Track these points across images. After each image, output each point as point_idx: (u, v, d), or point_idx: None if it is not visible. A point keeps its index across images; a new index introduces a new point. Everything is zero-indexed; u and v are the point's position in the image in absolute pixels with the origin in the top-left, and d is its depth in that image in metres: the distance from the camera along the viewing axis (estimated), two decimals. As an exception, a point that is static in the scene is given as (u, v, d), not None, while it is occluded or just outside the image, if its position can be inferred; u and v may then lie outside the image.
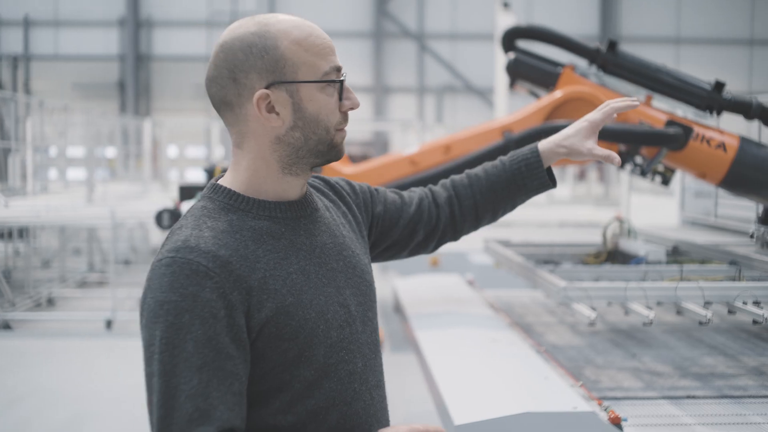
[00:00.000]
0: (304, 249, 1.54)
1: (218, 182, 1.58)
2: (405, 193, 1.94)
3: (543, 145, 1.92)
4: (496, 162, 1.97)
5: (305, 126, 1.51)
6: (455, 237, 2.01)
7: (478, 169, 1.99)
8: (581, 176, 19.13)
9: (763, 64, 25.09)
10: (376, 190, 1.89)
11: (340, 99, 1.54)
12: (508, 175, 1.93)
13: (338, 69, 1.53)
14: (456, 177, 2.00)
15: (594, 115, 1.89)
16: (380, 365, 1.66)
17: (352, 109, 1.55)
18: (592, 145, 1.87)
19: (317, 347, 1.49)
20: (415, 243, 1.94)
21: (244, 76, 1.49)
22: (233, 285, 1.42)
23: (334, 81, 1.52)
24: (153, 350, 1.39)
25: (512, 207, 2.01)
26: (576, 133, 1.89)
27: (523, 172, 1.92)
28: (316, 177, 1.77)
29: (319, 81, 1.51)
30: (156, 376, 1.38)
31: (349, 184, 1.82)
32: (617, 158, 1.86)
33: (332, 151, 1.55)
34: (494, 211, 1.98)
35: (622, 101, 1.89)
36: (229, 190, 1.54)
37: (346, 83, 1.54)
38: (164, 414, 1.36)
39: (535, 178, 1.92)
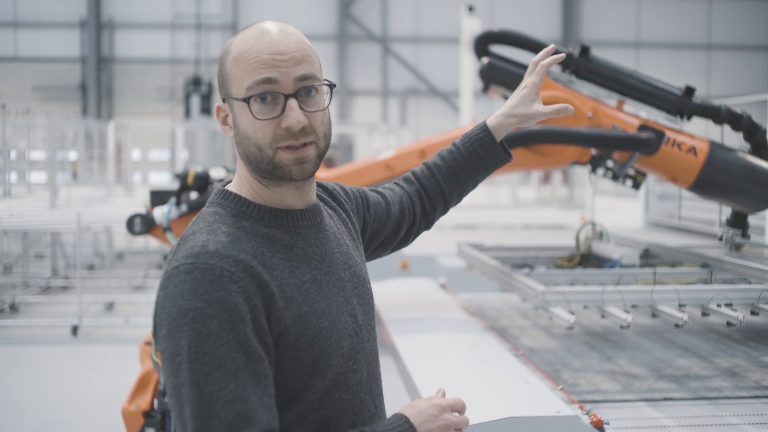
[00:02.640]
0: (315, 258, 1.54)
1: (226, 188, 1.57)
2: (386, 192, 1.96)
3: (492, 120, 1.98)
4: (451, 147, 2.03)
5: (242, 141, 1.50)
6: (428, 226, 2.07)
7: (434, 158, 2.04)
8: (546, 179, 19.27)
9: (720, 68, 25.56)
10: (366, 193, 1.89)
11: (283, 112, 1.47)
12: (466, 158, 1.99)
13: (267, 81, 1.45)
14: (416, 169, 2.05)
15: (532, 79, 1.96)
16: (380, 374, 1.67)
17: (289, 128, 1.46)
18: (539, 107, 1.94)
19: (331, 357, 1.48)
20: (398, 240, 1.98)
21: (218, 87, 1.55)
22: (256, 289, 1.41)
23: (246, 99, 1.46)
24: (180, 360, 1.34)
25: (474, 185, 2.08)
26: (521, 100, 1.95)
27: (479, 152, 1.98)
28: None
29: (236, 98, 1.48)
30: (187, 387, 1.33)
31: (343, 189, 1.82)
32: (569, 107, 1.92)
33: (277, 170, 1.48)
34: (459, 193, 2.05)
35: (545, 55, 1.96)
36: (239, 196, 1.53)
37: (291, 101, 1.46)
38: (201, 425, 1.32)
39: (492, 155, 1.99)
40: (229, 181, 1.59)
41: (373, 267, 2.05)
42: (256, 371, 1.37)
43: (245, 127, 1.48)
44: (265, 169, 1.49)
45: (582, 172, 15.29)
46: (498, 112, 1.99)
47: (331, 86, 1.53)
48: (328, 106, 1.53)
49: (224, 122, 1.54)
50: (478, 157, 1.98)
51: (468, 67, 13.85)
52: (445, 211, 2.06)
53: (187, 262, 1.39)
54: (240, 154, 1.52)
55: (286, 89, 1.46)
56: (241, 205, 1.52)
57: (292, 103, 1.45)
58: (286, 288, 1.45)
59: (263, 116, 1.45)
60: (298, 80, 1.46)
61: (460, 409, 1.53)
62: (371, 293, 1.69)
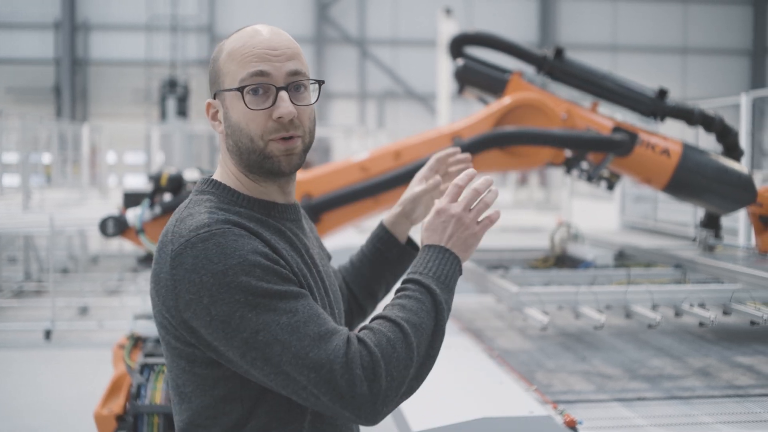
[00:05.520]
0: (302, 249, 1.60)
1: (213, 178, 1.61)
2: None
3: (386, 216, 2.04)
4: (357, 251, 2.07)
5: (233, 134, 1.54)
6: (363, 316, 2.08)
7: (345, 263, 2.07)
8: (522, 181, 19.36)
9: (696, 71, 25.81)
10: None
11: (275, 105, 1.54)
12: (368, 256, 2.03)
13: (260, 74, 1.51)
14: (342, 265, 2.09)
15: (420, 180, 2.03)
16: None
17: (281, 118, 1.51)
18: (415, 188, 2.00)
19: None
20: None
21: (210, 85, 1.61)
22: (272, 248, 1.47)
23: (240, 88, 1.51)
24: (241, 314, 1.37)
25: (387, 286, 2.07)
26: (408, 188, 2.02)
27: (378, 248, 2.02)
28: None
29: (229, 90, 1.53)
30: (263, 330, 1.37)
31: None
32: (437, 179, 1.97)
33: (267, 161, 1.53)
34: (371, 293, 2.05)
35: (444, 153, 2.03)
36: (228, 186, 1.57)
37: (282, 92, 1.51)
38: (298, 346, 1.37)
39: (391, 247, 2.02)
40: (212, 173, 1.64)
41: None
42: (309, 297, 1.45)
43: (237, 119, 1.52)
44: (255, 161, 1.53)
45: (559, 175, 15.38)
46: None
47: (320, 83, 1.59)
48: (315, 103, 1.59)
49: (214, 118, 1.58)
50: (378, 253, 2.01)
51: (445, 69, 13.90)
52: (373, 304, 2.07)
53: (200, 233, 1.42)
54: (229, 147, 1.55)
55: (278, 82, 1.51)
56: (231, 195, 1.56)
57: (283, 94, 1.51)
58: (290, 261, 1.50)
59: (256, 107, 1.50)
60: (289, 75, 1.52)
61: (482, 188, 1.60)
62: (344, 293, 1.80)
